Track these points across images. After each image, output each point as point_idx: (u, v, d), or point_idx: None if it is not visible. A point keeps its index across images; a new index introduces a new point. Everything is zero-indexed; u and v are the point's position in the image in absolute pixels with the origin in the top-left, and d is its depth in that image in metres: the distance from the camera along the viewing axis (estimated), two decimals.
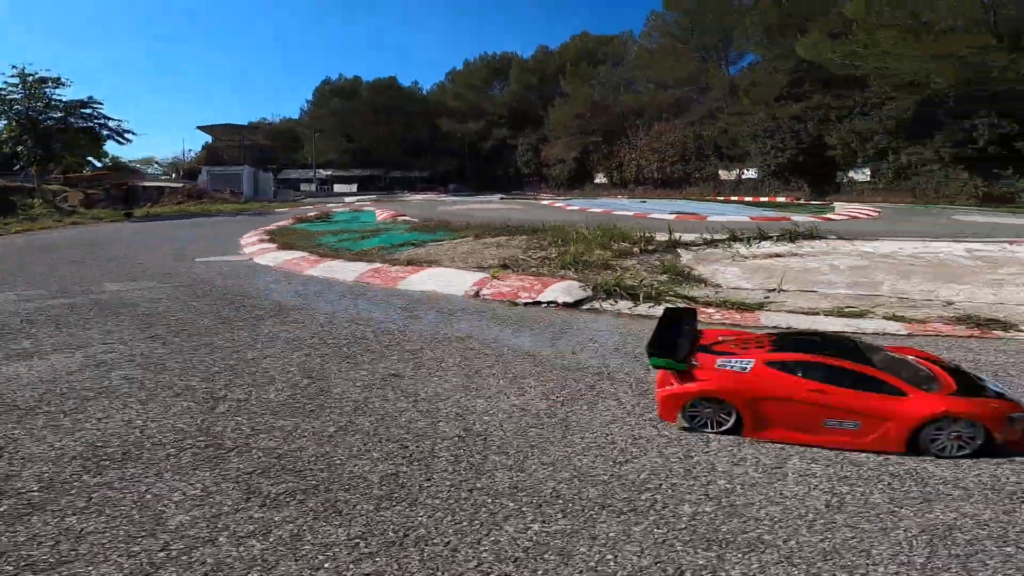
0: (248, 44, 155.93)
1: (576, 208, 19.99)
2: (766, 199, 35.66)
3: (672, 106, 48.99)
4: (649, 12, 47.41)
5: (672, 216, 15.37)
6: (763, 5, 36.85)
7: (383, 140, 77.45)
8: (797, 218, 14.64)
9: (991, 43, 23.13)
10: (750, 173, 38.81)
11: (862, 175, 31.38)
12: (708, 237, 8.44)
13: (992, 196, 24.88)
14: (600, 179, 57.15)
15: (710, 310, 5.53)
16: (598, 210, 18.65)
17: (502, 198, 46.57)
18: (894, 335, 4.67)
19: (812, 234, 7.46)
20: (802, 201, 32.70)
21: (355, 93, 72.85)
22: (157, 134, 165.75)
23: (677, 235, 8.58)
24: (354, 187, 70.20)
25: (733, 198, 38.61)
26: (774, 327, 5.00)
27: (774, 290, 6.21)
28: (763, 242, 7.62)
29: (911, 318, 4.99)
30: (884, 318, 5.01)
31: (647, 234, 8.90)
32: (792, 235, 7.51)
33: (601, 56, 59.62)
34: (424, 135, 77.54)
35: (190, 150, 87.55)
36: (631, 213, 16.65)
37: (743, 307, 5.45)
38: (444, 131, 73.06)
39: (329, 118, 72.43)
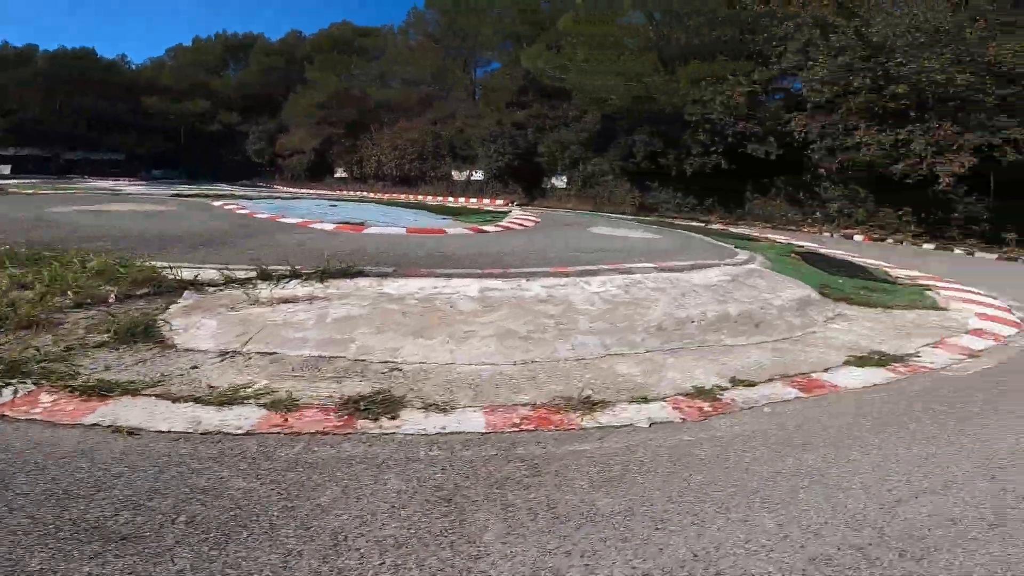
0: None
1: (246, 212, 16.84)
2: (488, 201, 37.42)
3: (420, 104, 48.36)
4: (411, 7, 45.74)
5: (333, 227, 13.60)
6: (507, 15, 38.24)
7: (62, 117, 60.05)
8: (458, 230, 14.34)
9: (655, 67, 27.22)
10: (478, 175, 40.29)
11: (561, 182, 34.92)
12: (235, 275, 6.65)
13: (645, 205, 29.86)
14: (340, 173, 53.72)
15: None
16: (264, 215, 15.95)
17: (171, 195, 39.62)
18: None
19: (347, 271, 6.13)
20: (501, 204, 35.10)
21: (25, 62, 55.12)
22: None
23: (197, 273, 6.60)
24: (5, 169, 52.78)
25: (461, 199, 39.65)
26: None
27: (230, 354, 4.63)
28: (292, 280, 6.07)
29: (285, 401, 3.82)
30: (259, 405, 3.76)
31: (156, 267, 6.72)
32: (323, 274, 6.07)
33: (358, 47, 55.91)
34: (125, 113, 62.76)
35: None
36: (296, 221, 14.39)
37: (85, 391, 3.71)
38: (152, 112, 60.00)
39: None
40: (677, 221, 26.52)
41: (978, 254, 18.66)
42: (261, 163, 62.02)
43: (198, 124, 62.59)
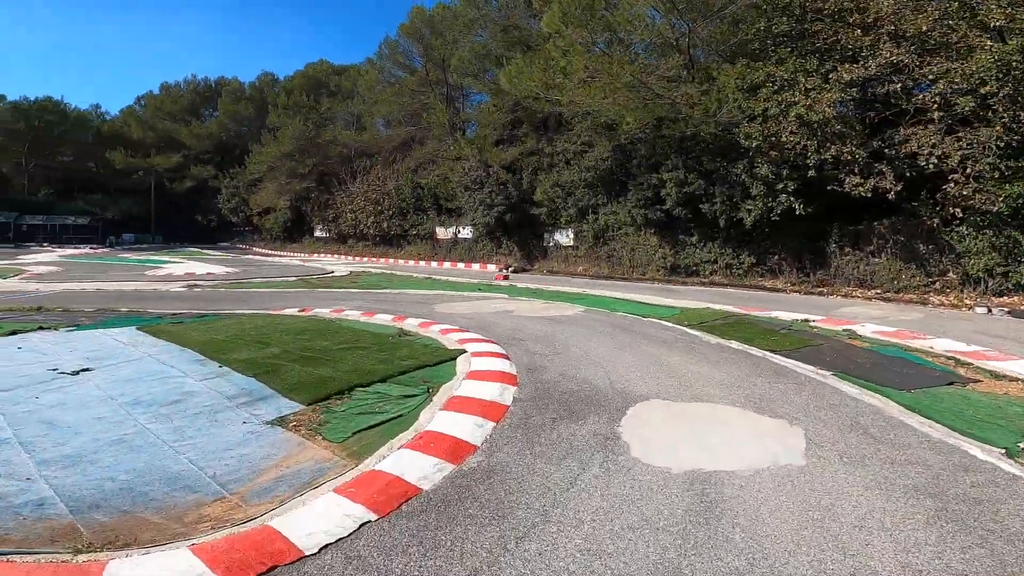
0: None
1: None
2: (478, 266, 29.57)
3: (398, 149, 41.72)
4: (383, 37, 39.69)
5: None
6: (490, 32, 31.56)
7: (23, 176, 55.34)
8: None
9: (681, 73, 19.65)
10: (466, 232, 32.74)
11: (566, 238, 26.99)
12: None
13: (678, 267, 21.60)
14: (319, 232, 46.93)
15: None
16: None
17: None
18: None
19: None
20: (494, 272, 27.05)
21: None
22: None
23: None
24: None
25: (446, 262, 31.96)
26: None
27: None
28: None
29: None
30: None
31: None
32: None
33: (333, 88, 50.41)
34: (98, 170, 57.90)
35: None
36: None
37: None
38: (119, 167, 54.88)
39: None
40: (730, 289, 18.07)
41: None
42: (237, 222, 55.99)
43: (169, 181, 57.26)
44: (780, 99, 16.33)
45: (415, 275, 23.80)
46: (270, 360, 7.19)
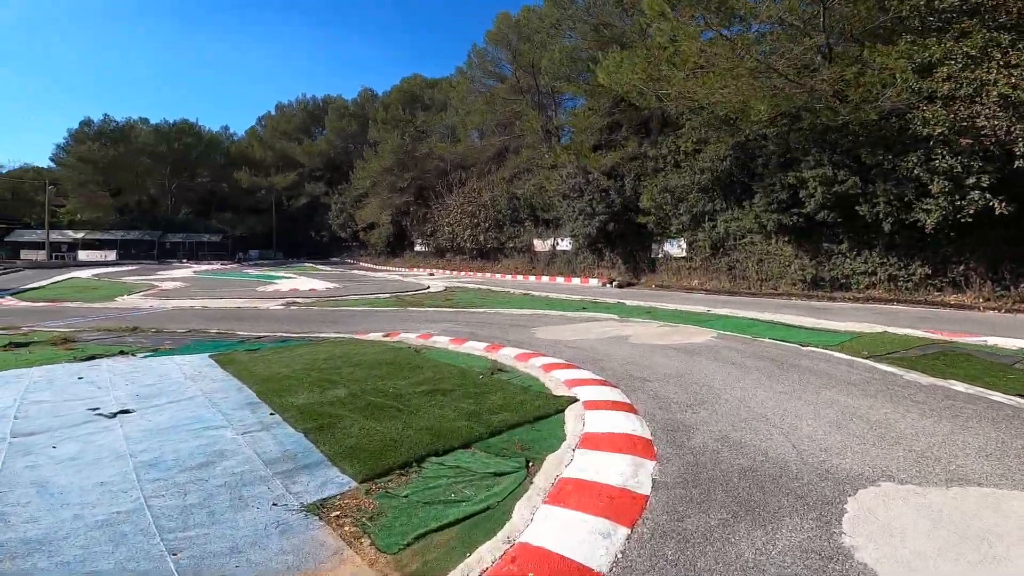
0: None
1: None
2: (579, 280, 27.51)
3: (493, 159, 41.18)
4: (471, 46, 39.69)
5: None
6: (580, 32, 30.01)
7: (165, 196, 62.53)
8: None
9: (815, 58, 16.53)
10: (564, 243, 30.87)
11: (677, 248, 24.06)
12: None
13: (821, 280, 17.94)
14: (419, 246, 47.52)
15: None
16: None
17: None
18: None
19: None
20: (597, 285, 24.65)
21: (127, 138, 57.96)
22: None
23: None
24: (111, 254, 54.08)
25: (544, 276, 30.26)
26: None
27: None
28: None
29: None
30: None
31: None
32: None
33: (428, 101, 51.55)
34: (229, 190, 63.87)
35: None
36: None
37: None
38: (245, 186, 60.17)
39: (87, 168, 56.47)
40: (898, 306, 14.32)
41: None
42: (345, 237, 58.80)
43: (287, 198, 61.63)
44: (971, 77, 12.68)
45: (512, 291, 22.28)
46: (330, 408, 5.72)
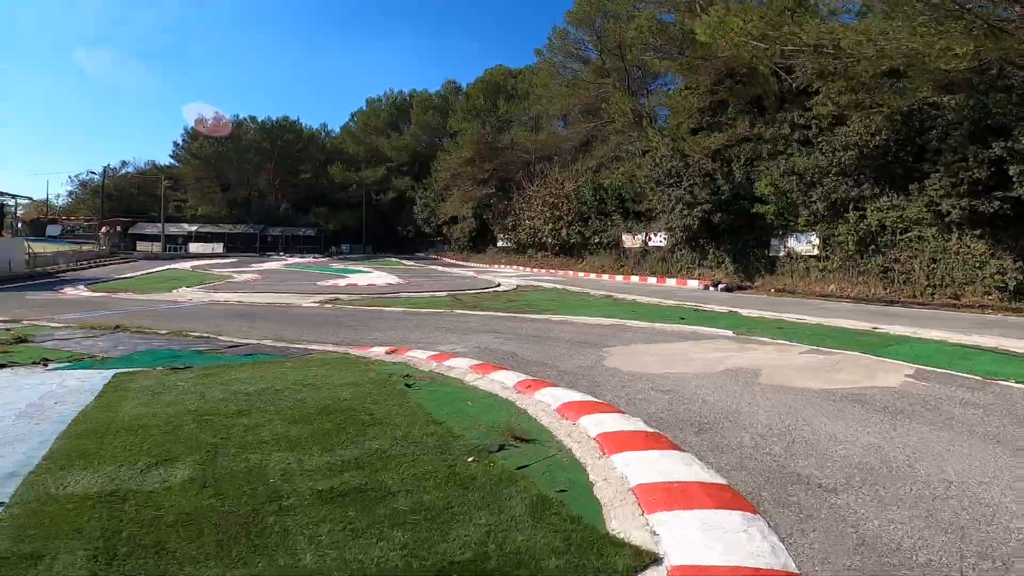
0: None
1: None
2: (674, 281, 23.17)
3: (579, 149, 37.65)
4: (551, 28, 36.46)
5: None
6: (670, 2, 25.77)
7: (269, 191, 65.50)
8: None
9: None
10: (659, 239, 26.53)
11: (806, 244, 18.99)
12: None
13: None
14: (502, 242, 44.94)
15: None
16: None
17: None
18: None
19: None
20: (697, 287, 20.10)
21: (236, 135, 61.33)
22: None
23: None
24: (219, 247, 57.28)
25: (634, 277, 26.15)
26: None
27: None
28: None
29: None
30: None
31: None
32: None
33: (510, 90, 49.04)
34: (326, 184, 65.62)
35: (61, 194, 74.79)
36: None
37: None
38: (338, 181, 61.31)
39: (200, 164, 60.50)
40: None
41: None
42: (429, 232, 57.85)
43: (375, 193, 61.92)
44: None
45: (591, 292, 18.65)
46: (102, 518, 2.71)
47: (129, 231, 59.34)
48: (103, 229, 56.84)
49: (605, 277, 27.46)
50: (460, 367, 6.50)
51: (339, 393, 5.14)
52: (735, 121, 22.90)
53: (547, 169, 37.77)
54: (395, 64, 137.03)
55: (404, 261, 48.97)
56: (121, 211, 62.74)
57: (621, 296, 17.08)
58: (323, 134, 68.77)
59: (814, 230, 18.74)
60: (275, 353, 7.42)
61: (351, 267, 37.58)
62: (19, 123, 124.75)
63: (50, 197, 72.36)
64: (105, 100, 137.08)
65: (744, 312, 12.55)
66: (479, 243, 49.05)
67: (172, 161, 64.59)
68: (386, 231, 64.11)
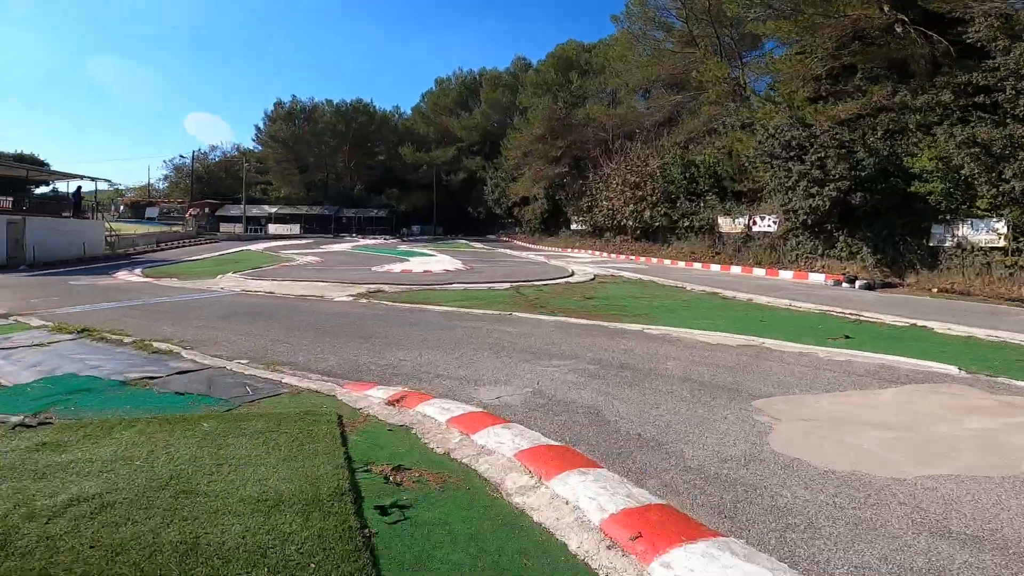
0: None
1: None
2: (789, 275, 18.89)
3: (662, 124, 33.38)
4: None
5: None
6: None
7: (345, 173, 65.52)
8: None
9: None
10: (766, 223, 22.08)
11: (988, 234, 14.17)
12: None
13: None
14: (576, 224, 41.42)
15: None
16: None
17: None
18: None
19: None
20: (828, 283, 15.76)
21: (312, 118, 61.66)
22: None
23: None
24: (296, 228, 57.91)
25: (734, 266, 21.95)
26: None
27: None
28: None
29: None
30: None
31: None
32: None
33: (584, 65, 45.04)
34: (399, 165, 64.71)
35: (160, 178, 79.59)
36: None
37: None
38: (409, 161, 60.02)
39: (279, 147, 61.40)
40: None
41: None
42: (500, 214, 55.21)
43: (445, 174, 60.12)
44: None
45: (687, 286, 15.03)
46: None
47: (216, 213, 61.51)
48: (190, 211, 59.35)
49: (697, 266, 23.44)
50: (501, 450, 3.50)
51: (223, 527, 2.35)
52: (869, 88, 18.33)
53: (627, 146, 33.75)
54: (465, 45, 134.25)
55: (472, 243, 46.76)
56: (210, 193, 65.33)
57: (730, 294, 13.33)
58: (395, 116, 67.90)
59: (1001, 215, 13.93)
60: (224, 393, 4.79)
61: (416, 249, 35.78)
62: (124, 108, 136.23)
63: (152, 181, 77.09)
64: (198, 87, 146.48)
65: (932, 326, 8.60)
66: (551, 225, 45.79)
67: (256, 145, 66.13)
68: (457, 212, 62.29)
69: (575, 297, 12.63)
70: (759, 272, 20.02)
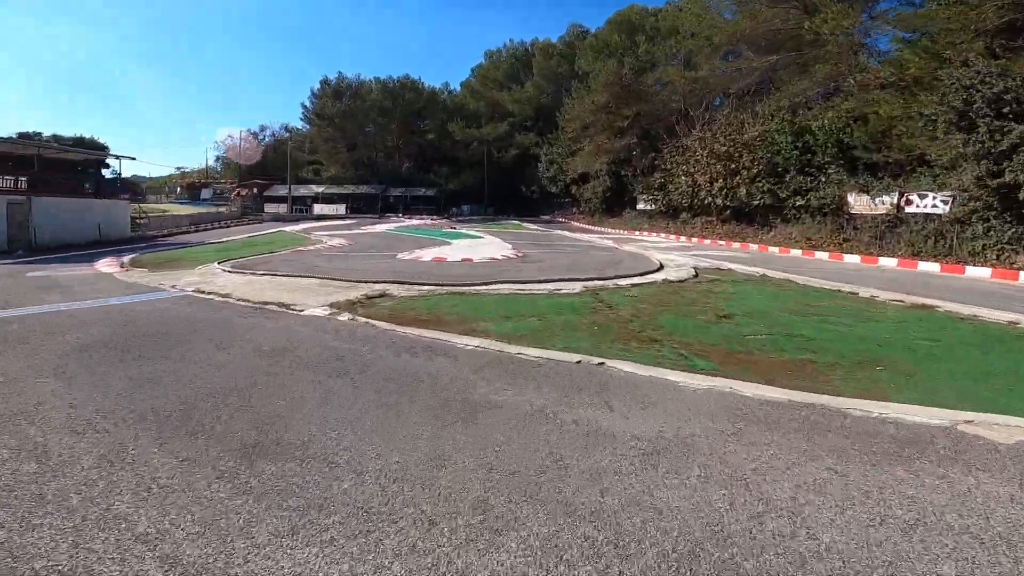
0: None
1: None
2: (983, 273, 13.20)
3: (754, 92, 27.58)
4: None
5: None
6: None
7: (393, 151, 62.11)
8: None
9: None
10: (927, 202, 16.23)
11: None
12: None
13: None
14: (643, 204, 35.92)
15: None
16: None
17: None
18: None
19: None
20: None
21: (359, 95, 58.40)
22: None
23: None
24: (342, 208, 55.16)
25: (882, 259, 16.27)
26: None
27: None
28: None
29: None
30: None
31: None
32: None
33: (650, 30, 39.02)
34: (447, 145, 60.72)
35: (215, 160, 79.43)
36: None
37: None
38: (458, 138, 55.74)
39: (326, 124, 58.66)
40: None
41: None
42: (556, 192, 50.23)
43: (497, 151, 55.51)
44: None
45: (857, 291, 9.84)
46: None
47: (265, 193, 59.85)
48: (237, 191, 57.86)
49: (822, 256, 17.90)
50: None
51: None
52: None
53: (710, 115, 28.00)
54: (515, 20, 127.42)
55: (525, 224, 42.17)
56: (260, 173, 63.85)
57: (942, 306, 8.13)
58: (444, 92, 63.90)
59: None
60: None
61: (461, 230, 31.60)
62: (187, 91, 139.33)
63: (211, 163, 76.82)
64: (247, 69, 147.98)
65: None
66: (614, 205, 40.44)
67: (303, 124, 63.78)
68: (509, 191, 57.76)
69: (696, 311, 7.85)
70: (928, 267, 14.36)
